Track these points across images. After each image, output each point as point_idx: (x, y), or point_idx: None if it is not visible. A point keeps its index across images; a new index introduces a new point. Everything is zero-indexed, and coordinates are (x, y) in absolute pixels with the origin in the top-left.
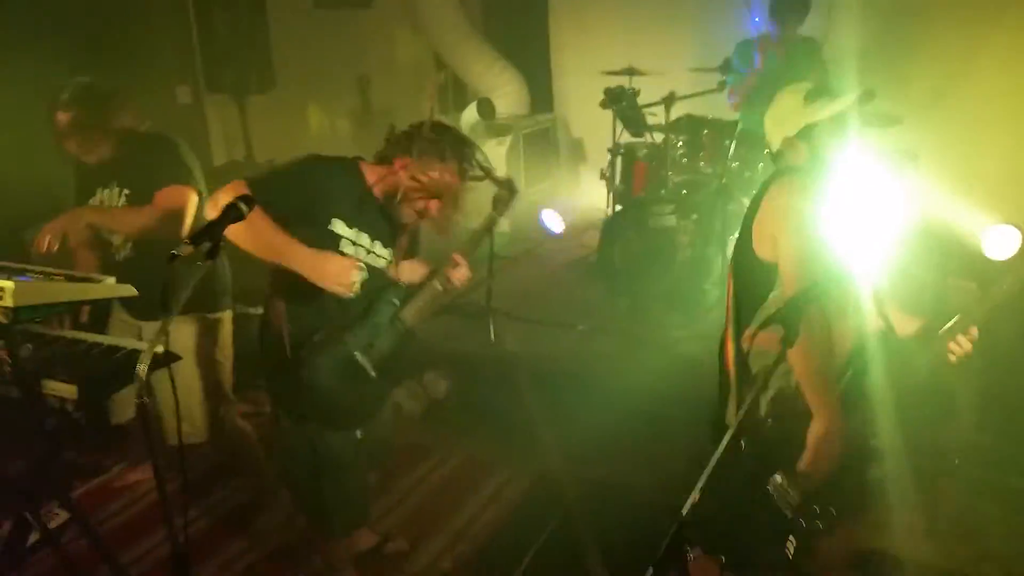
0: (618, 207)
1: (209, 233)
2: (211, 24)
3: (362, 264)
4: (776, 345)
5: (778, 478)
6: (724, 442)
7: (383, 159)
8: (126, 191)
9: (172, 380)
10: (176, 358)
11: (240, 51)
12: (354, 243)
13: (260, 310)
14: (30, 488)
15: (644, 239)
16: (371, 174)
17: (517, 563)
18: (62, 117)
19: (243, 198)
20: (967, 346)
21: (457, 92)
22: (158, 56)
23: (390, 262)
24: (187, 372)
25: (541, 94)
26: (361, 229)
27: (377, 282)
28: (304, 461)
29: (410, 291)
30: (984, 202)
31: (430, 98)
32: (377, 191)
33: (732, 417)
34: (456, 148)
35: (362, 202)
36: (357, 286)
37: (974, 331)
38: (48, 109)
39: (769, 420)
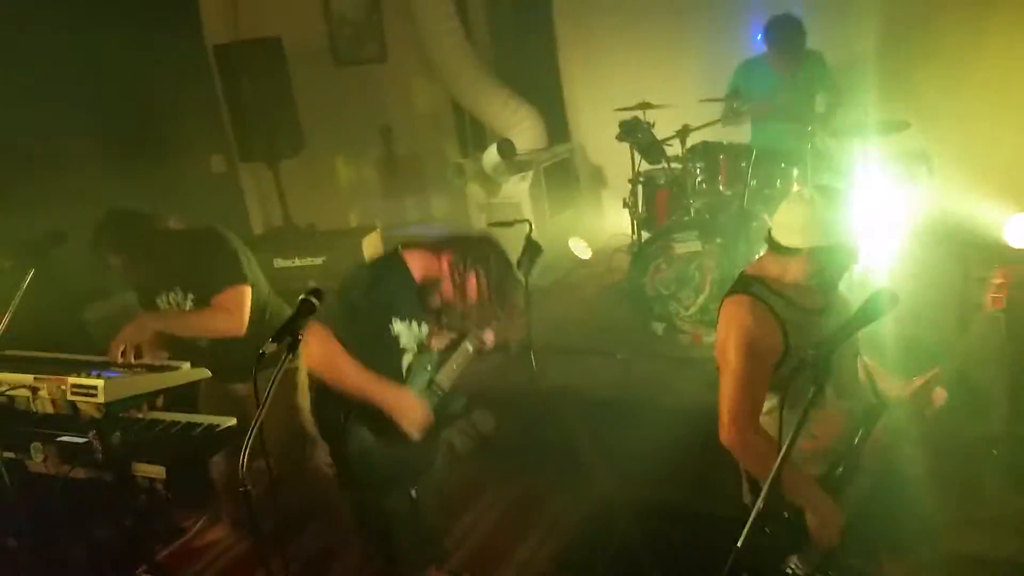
0: (643, 234)
1: (289, 329)
2: (238, 92)
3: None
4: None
5: (794, 559)
6: (748, 527)
7: (435, 248)
8: (191, 295)
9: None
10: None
11: (268, 117)
12: (407, 332)
13: None
14: (119, 554)
15: (672, 266)
16: (417, 262)
17: None
18: (115, 260)
19: (314, 292)
20: (943, 396)
21: (476, 133)
22: (190, 128)
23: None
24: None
25: (557, 125)
26: (412, 319)
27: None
28: (371, 516)
29: (442, 355)
30: (1002, 193)
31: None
32: (418, 276)
33: (747, 495)
34: (500, 284)
35: (410, 293)
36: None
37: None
38: (92, 248)
39: (785, 513)
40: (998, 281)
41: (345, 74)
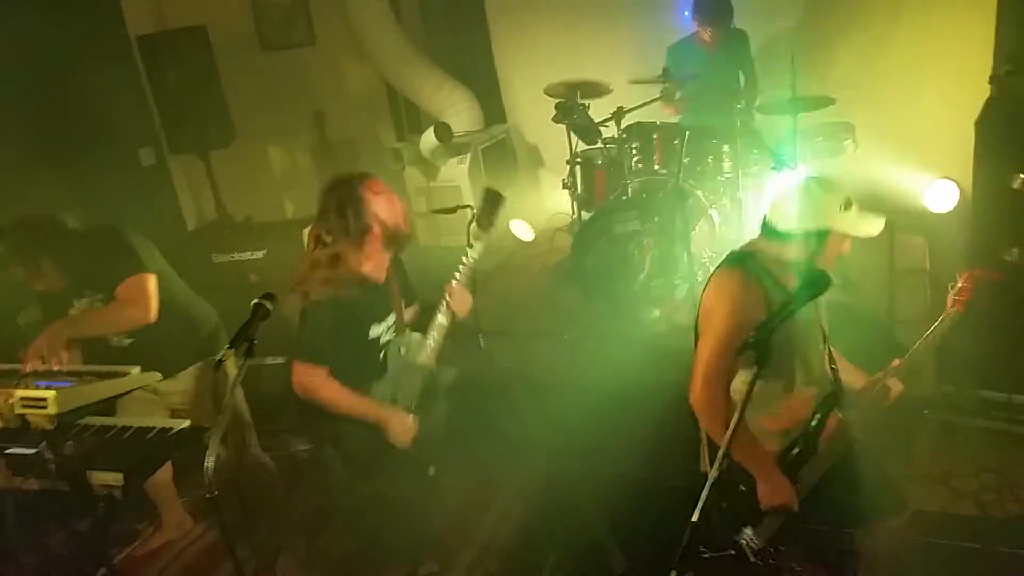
0: (583, 213)
1: (244, 334)
2: (164, 83)
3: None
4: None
5: (748, 531)
6: (703, 497)
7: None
8: (100, 296)
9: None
10: (204, 430)
11: (196, 107)
12: (386, 331)
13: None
14: (77, 560)
15: (613, 245)
16: (360, 261)
17: (544, 565)
18: (18, 271)
19: (266, 296)
20: (900, 387)
21: (411, 115)
22: (116, 121)
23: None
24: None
25: (493, 105)
26: (383, 318)
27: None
28: (379, 505)
29: (414, 330)
30: (922, 161)
31: None
32: (368, 271)
33: (706, 465)
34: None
35: (369, 293)
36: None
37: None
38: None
39: (741, 486)
40: (960, 284)
41: (273, 59)
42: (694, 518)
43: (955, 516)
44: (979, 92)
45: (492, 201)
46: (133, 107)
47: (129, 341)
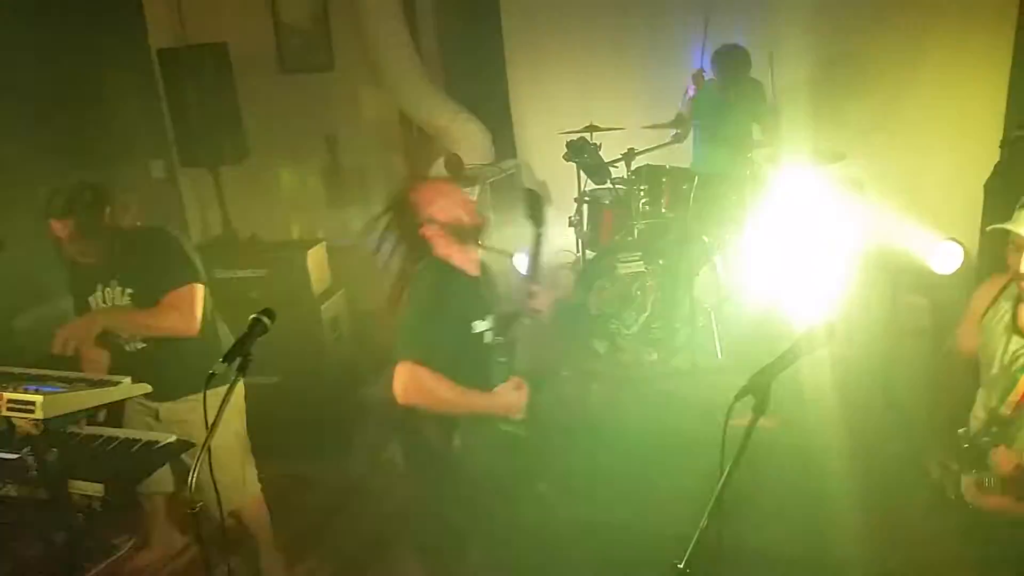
0: (588, 252)
1: (240, 349)
2: (181, 97)
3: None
4: None
5: None
6: (706, 515)
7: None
8: (129, 290)
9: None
10: (190, 445)
11: (211, 122)
12: (484, 324)
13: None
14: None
15: (616, 286)
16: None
17: None
18: (58, 225)
19: (265, 311)
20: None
21: (423, 145)
22: (130, 131)
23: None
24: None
25: (504, 141)
26: (485, 315)
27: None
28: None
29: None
30: (929, 221)
31: None
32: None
33: None
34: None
35: (466, 287)
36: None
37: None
38: (44, 215)
39: None
40: None
41: (291, 82)
42: (680, 565)
43: None
44: (989, 156)
45: (534, 200)
46: (148, 119)
47: (142, 346)
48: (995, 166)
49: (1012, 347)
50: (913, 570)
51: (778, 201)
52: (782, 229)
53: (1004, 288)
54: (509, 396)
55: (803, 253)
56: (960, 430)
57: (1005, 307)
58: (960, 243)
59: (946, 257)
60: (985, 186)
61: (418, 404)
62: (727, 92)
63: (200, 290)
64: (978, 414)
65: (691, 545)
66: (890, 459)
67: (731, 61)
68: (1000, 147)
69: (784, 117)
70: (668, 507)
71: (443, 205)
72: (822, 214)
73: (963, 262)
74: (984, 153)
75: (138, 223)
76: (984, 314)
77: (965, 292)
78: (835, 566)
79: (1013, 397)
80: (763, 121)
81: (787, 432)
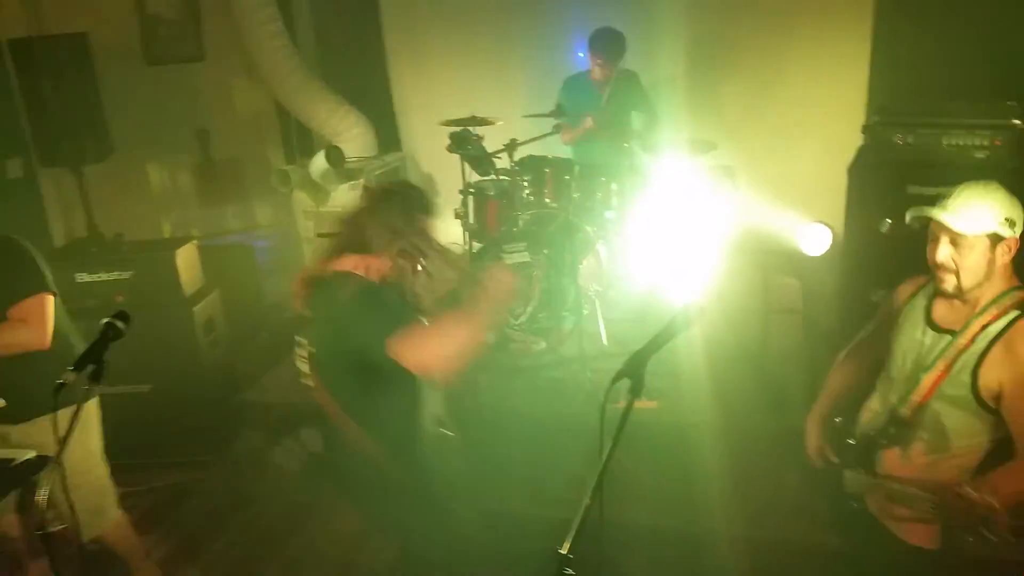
0: (475, 243)
1: (92, 356)
2: (38, 91)
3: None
4: None
5: None
6: (587, 497)
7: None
8: None
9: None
10: (48, 460)
11: (72, 118)
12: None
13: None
14: None
15: None
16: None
17: None
18: None
19: (119, 315)
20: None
21: (302, 138)
22: None
23: None
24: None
25: (388, 133)
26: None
27: None
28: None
29: None
30: (798, 205)
31: None
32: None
33: None
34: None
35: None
36: None
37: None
38: None
39: None
40: None
41: (158, 74)
42: (562, 550)
43: None
44: (853, 141)
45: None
46: (2, 117)
47: None
48: (858, 150)
49: (927, 340)
50: (784, 543)
51: (656, 190)
52: (660, 217)
53: (923, 285)
54: (502, 280)
55: (680, 240)
56: (836, 419)
57: (922, 302)
58: (828, 225)
59: (815, 239)
60: (849, 170)
61: (445, 356)
62: (602, 81)
63: (51, 301)
64: (872, 406)
65: (572, 530)
66: (762, 434)
67: (608, 43)
68: (862, 132)
69: (660, 107)
70: (558, 492)
71: None
72: (697, 202)
73: (831, 244)
74: (849, 138)
75: None
76: (900, 312)
77: (834, 272)
78: (711, 539)
79: (915, 396)
80: (640, 109)
81: (666, 412)
